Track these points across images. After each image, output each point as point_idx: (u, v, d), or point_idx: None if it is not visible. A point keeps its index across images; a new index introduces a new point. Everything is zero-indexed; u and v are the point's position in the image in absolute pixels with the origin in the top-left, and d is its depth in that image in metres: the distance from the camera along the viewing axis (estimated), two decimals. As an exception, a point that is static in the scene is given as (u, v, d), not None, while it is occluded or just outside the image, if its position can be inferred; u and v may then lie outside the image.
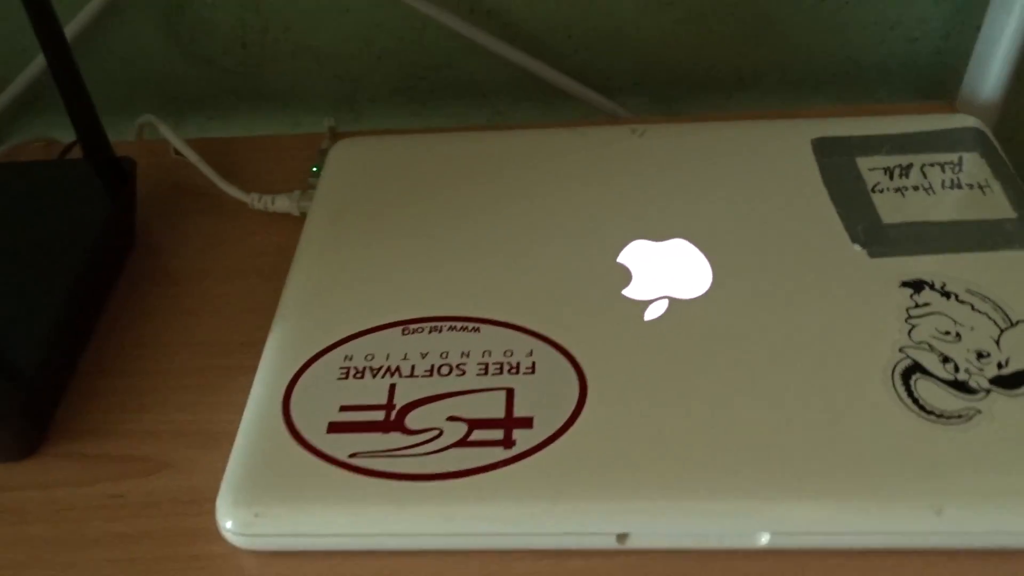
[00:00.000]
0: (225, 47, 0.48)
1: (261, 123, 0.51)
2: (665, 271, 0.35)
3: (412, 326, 0.34)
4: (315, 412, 0.32)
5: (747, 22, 0.47)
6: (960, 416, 0.30)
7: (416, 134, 0.44)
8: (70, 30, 0.46)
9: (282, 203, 0.43)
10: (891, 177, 0.39)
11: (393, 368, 0.33)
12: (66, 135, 0.44)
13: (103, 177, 0.41)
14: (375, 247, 0.38)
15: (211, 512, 0.32)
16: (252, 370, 0.36)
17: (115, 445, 0.35)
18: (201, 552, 0.31)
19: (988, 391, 0.30)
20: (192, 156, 0.45)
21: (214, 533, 0.31)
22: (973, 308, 0.33)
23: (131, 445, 0.34)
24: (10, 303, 0.35)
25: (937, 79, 0.49)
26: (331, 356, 0.33)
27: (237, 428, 0.34)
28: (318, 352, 0.34)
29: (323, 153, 0.45)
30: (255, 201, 0.43)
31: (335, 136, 0.46)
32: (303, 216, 0.43)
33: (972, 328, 0.32)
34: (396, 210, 0.39)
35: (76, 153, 0.43)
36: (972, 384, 0.30)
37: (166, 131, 0.45)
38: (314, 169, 0.44)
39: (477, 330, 0.34)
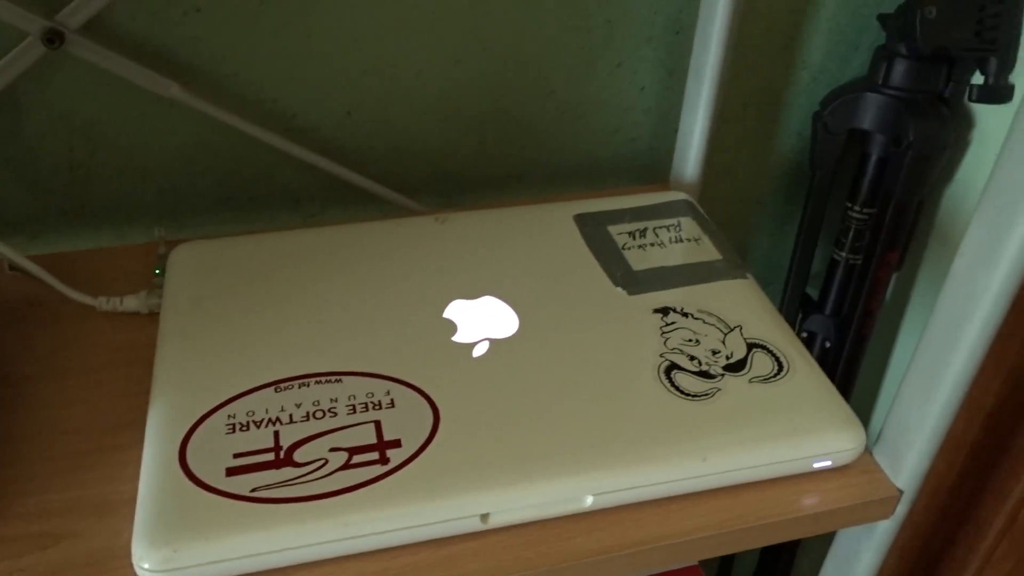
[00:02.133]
0: (52, 170, 0.52)
1: (86, 238, 0.55)
2: (482, 320, 0.44)
3: (282, 384, 0.40)
4: (211, 462, 0.37)
5: (511, 133, 0.59)
6: (707, 394, 0.41)
7: (246, 235, 0.50)
8: None
9: (131, 302, 0.47)
10: (634, 237, 0.51)
11: (273, 419, 0.39)
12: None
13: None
14: (232, 326, 0.43)
15: (116, 568, 0.35)
16: (129, 447, 0.40)
17: (7, 528, 0.37)
18: (115, 603, 0.34)
19: (723, 375, 0.42)
20: (33, 268, 0.48)
21: (124, 585, 0.35)
22: (704, 322, 0.45)
23: (22, 526, 0.37)
24: None
25: (653, 166, 0.63)
26: (215, 417, 0.39)
27: (126, 497, 0.38)
28: (202, 415, 0.39)
29: (162, 257, 0.50)
30: (103, 303, 0.47)
31: (168, 243, 0.51)
32: (151, 313, 0.47)
33: (706, 335, 0.44)
34: (243, 295, 0.45)
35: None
36: (712, 372, 0.42)
37: (1, 247, 0.48)
38: (156, 272, 0.49)
39: (340, 381, 0.41)
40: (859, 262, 0.65)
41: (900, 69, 0.59)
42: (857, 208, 0.64)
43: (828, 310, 0.68)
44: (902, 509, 0.41)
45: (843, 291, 0.67)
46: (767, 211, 0.70)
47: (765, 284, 0.74)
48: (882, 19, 0.59)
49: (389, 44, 0.53)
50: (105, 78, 0.49)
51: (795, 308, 0.69)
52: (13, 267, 0.49)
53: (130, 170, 0.53)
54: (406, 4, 0.52)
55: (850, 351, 0.67)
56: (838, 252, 0.66)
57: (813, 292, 0.71)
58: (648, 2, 0.56)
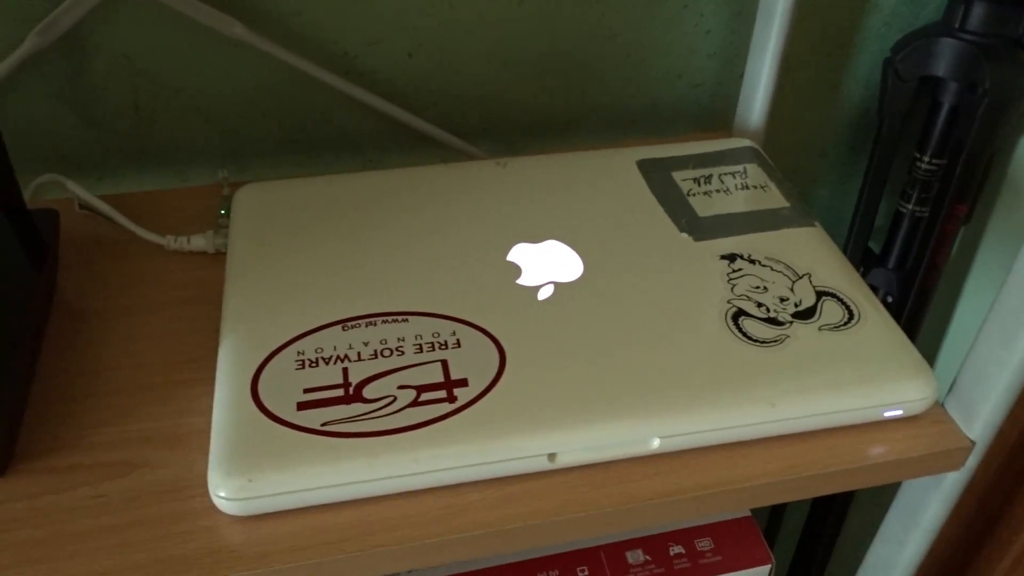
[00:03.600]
0: (117, 111, 0.52)
1: (150, 180, 0.55)
2: (546, 264, 0.44)
3: (350, 323, 0.41)
4: (282, 396, 0.37)
5: (572, 77, 0.58)
6: (776, 341, 0.40)
7: (309, 177, 0.50)
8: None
9: (198, 242, 0.48)
10: (699, 184, 0.50)
11: (342, 356, 0.39)
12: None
13: (27, 228, 0.44)
14: (299, 265, 0.44)
15: (192, 497, 0.36)
16: (200, 382, 0.41)
17: (84, 456, 0.38)
18: (191, 527, 0.35)
19: (791, 322, 0.41)
20: (104, 208, 0.48)
21: (199, 512, 0.36)
22: (772, 269, 0.44)
23: (100, 454, 0.38)
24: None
25: (716, 114, 0.62)
26: (285, 353, 0.39)
27: (198, 428, 0.39)
28: (273, 351, 0.39)
29: (227, 199, 0.50)
30: (171, 242, 0.48)
31: (231, 185, 0.51)
32: (218, 253, 0.48)
33: (773, 282, 0.44)
34: (308, 236, 0.46)
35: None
36: (780, 319, 0.42)
37: (73, 187, 0.49)
38: (222, 212, 0.49)
39: (406, 320, 0.41)
40: (926, 215, 0.64)
41: (977, 13, 0.56)
42: (926, 159, 0.62)
43: (891, 264, 0.67)
44: (972, 461, 0.40)
45: (908, 245, 0.65)
46: (831, 161, 0.68)
47: (825, 237, 0.73)
48: (961, -40, 0.57)
49: (451, -15, 0.53)
50: (168, 17, 0.49)
51: (857, 262, 0.68)
52: (83, 206, 0.49)
53: (193, 112, 0.54)
54: (470, -57, 0.51)
55: (913, 306, 0.66)
56: (904, 204, 0.64)
57: (875, 246, 0.69)
58: (716, -58, 0.55)
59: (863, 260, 0.68)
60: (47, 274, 0.44)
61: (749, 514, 0.60)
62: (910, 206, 0.64)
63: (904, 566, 0.45)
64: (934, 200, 0.63)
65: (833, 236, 0.73)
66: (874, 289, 0.68)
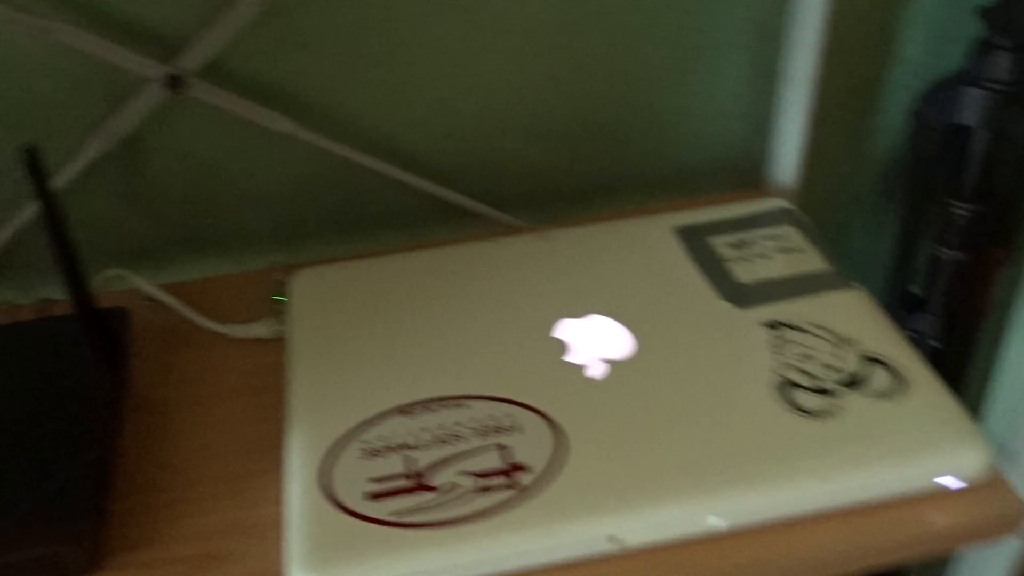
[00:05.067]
0: (174, 205, 0.55)
1: (207, 266, 0.58)
2: (591, 339, 0.46)
3: (409, 408, 0.42)
4: (350, 487, 0.39)
5: (604, 144, 0.60)
6: (826, 412, 0.41)
7: (360, 259, 0.52)
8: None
9: (257, 329, 0.50)
10: (736, 249, 0.51)
11: (403, 443, 0.41)
12: None
13: (100, 329, 0.46)
14: (357, 350, 0.46)
15: (272, 588, 0.38)
16: (270, 471, 0.43)
17: (167, 550, 0.39)
18: (273, 619, 0.37)
19: (840, 391, 0.42)
20: (167, 299, 0.51)
21: (279, 604, 0.37)
22: (815, 335, 0.45)
23: (182, 548, 0.40)
24: (54, 447, 0.40)
25: (747, 172, 0.63)
26: (349, 442, 0.41)
27: (273, 519, 0.40)
28: (336, 440, 0.41)
29: (280, 284, 0.52)
30: (233, 330, 0.50)
31: (282, 269, 0.53)
32: (276, 338, 0.50)
33: (818, 350, 0.45)
34: (363, 319, 0.47)
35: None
36: (828, 388, 0.43)
37: (138, 280, 0.51)
38: (275, 298, 0.51)
39: (461, 405, 0.42)
40: (964, 258, 0.64)
41: (1002, 62, 0.57)
42: (960, 205, 0.62)
43: (933, 309, 0.67)
44: (1030, 521, 0.41)
45: (949, 290, 0.66)
46: (865, 208, 0.69)
47: (864, 282, 0.73)
48: (983, 13, 0.58)
49: (485, 68, 0.55)
50: (221, 117, 0.52)
51: (898, 307, 0.68)
52: (146, 297, 0.52)
53: (246, 201, 0.56)
54: (501, 28, 0.53)
55: (959, 351, 0.66)
56: (942, 249, 0.65)
57: (918, 290, 0.70)
58: (737, 9, 0.56)
59: (903, 304, 0.69)
60: (122, 371, 0.46)
61: None
62: (949, 251, 0.64)
63: (965, 625, 0.46)
64: (972, 244, 0.63)
65: (869, 280, 0.73)
66: (919, 334, 0.69)
